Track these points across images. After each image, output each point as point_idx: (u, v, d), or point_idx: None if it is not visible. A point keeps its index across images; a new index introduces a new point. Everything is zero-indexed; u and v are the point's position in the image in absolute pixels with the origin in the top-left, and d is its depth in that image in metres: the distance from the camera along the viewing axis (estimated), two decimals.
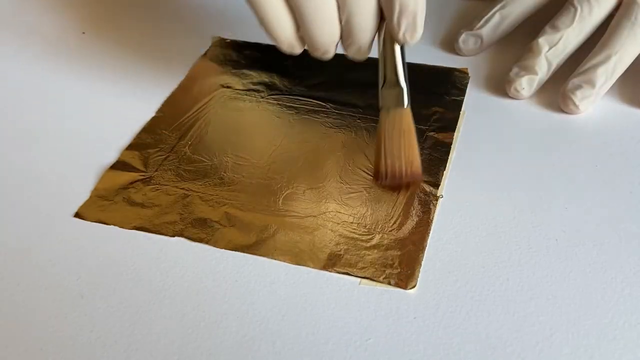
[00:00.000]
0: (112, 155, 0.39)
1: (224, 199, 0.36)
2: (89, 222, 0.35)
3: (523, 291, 0.31)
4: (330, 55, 0.34)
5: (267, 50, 0.46)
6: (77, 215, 0.36)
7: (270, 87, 0.43)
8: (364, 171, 0.37)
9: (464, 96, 0.41)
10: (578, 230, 0.33)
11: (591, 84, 0.38)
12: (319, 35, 0.33)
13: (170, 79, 0.44)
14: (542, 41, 0.40)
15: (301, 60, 0.45)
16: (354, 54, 0.34)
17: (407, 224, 0.34)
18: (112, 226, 0.35)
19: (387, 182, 0.35)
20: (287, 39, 0.33)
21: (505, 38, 0.44)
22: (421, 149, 0.38)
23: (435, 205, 0.35)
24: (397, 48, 0.34)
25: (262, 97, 0.42)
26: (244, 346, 0.30)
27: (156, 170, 0.38)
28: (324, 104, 0.41)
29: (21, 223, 0.36)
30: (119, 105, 0.42)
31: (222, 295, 0.32)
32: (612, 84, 0.39)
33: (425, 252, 0.32)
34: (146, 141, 0.40)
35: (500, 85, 0.41)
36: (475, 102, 0.41)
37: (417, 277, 0.31)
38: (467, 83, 0.42)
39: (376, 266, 0.32)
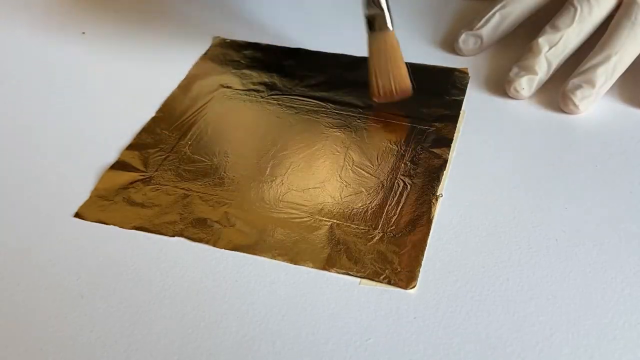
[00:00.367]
0: (112, 155, 0.39)
1: (224, 199, 0.36)
2: (89, 222, 0.35)
3: (523, 291, 0.31)
4: None
5: (267, 50, 0.46)
6: (77, 215, 0.36)
7: (270, 87, 0.43)
8: (364, 171, 0.37)
9: (464, 96, 0.41)
10: (578, 230, 0.33)
11: (591, 84, 0.38)
12: None
13: (170, 79, 0.44)
14: (542, 41, 0.40)
15: (301, 61, 0.45)
16: None
17: (407, 223, 0.34)
18: (112, 226, 0.35)
19: (381, 99, 0.39)
20: None
21: (505, 38, 0.44)
22: (421, 148, 0.38)
23: (435, 205, 0.35)
24: None
25: (262, 97, 0.42)
26: (244, 346, 0.30)
27: (156, 170, 0.38)
28: (324, 104, 0.41)
29: (21, 223, 0.36)
30: (119, 105, 0.42)
31: (222, 295, 0.32)
32: (612, 84, 0.39)
33: (425, 252, 0.32)
34: (146, 141, 0.40)
35: (500, 85, 0.41)
36: (475, 102, 0.41)
37: (417, 277, 0.31)
38: (467, 83, 0.42)
39: (376, 266, 0.32)
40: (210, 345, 0.30)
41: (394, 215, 0.34)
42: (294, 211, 0.35)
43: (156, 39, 0.48)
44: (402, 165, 0.37)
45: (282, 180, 0.36)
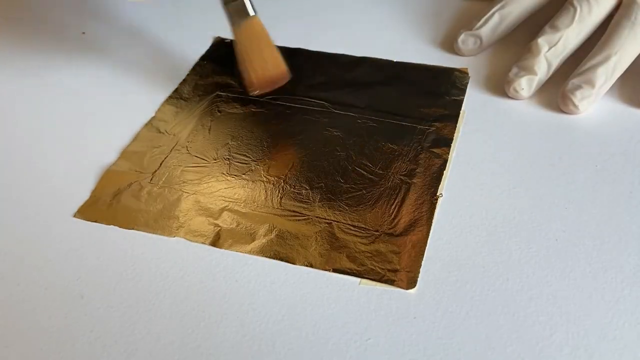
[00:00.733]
0: (112, 155, 0.39)
1: (224, 199, 0.36)
2: (89, 222, 0.35)
3: (523, 291, 0.31)
4: None
5: None
6: (77, 215, 0.36)
7: None
8: (364, 171, 0.37)
9: (464, 96, 0.41)
10: (578, 230, 0.33)
11: (591, 84, 0.38)
12: None
13: (170, 79, 0.44)
14: (542, 41, 0.40)
15: (301, 61, 0.45)
16: None
17: (407, 223, 0.34)
18: (112, 226, 0.35)
19: (259, 90, 0.37)
20: None
21: (505, 38, 0.44)
22: (421, 148, 0.38)
23: (435, 205, 0.35)
24: None
25: (262, 97, 0.42)
26: (244, 346, 0.30)
27: (156, 170, 0.38)
28: (324, 103, 0.41)
29: (21, 223, 0.36)
30: (119, 105, 0.42)
31: (222, 295, 0.32)
32: (612, 84, 0.39)
33: (425, 252, 0.32)
34: (146, 141, 0.40)
35: (500, 85, 0.41)
36: (475, 102, 0.41)
37: (417, 277, 0.31)
38: (467, 83, 0.42)
39: (376, 266, 0.32)
40: (210, 345, 0.30)
41: (394, 215, 0.34)
42: (294, 211, 0.35)
43: (156, 39, 0.48)
44: (402, 165, 0.37)
45: (282, 181, 0.36)
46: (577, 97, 0.38)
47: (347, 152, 0.38)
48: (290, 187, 0.36)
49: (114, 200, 0.36)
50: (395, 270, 0.32)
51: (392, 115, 0.40)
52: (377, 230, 0.34)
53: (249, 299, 0.31)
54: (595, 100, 0.39)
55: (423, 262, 0.32)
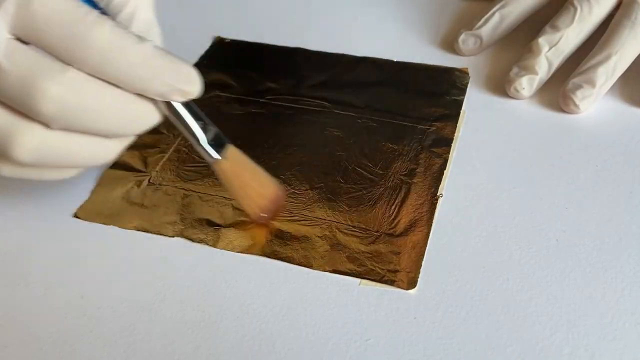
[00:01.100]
0: None
1: (224, 199, 0.36)
2: (89, 222, 0.35)
3: (523, 291, 0.31)
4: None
5: (267, 51, 0.46)
6: (77, 215, 0.36)
7: (270, 87, 0.43)
8: (364, 171, 0.37)
9: (464, 96, 0.41)
10: (578, 230, 0.33)
11: (592, 83, 0.38)
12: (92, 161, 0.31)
13: None
14: (542, 41, 0.40)
15: (301, 61, 0.45)
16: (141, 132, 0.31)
17: (407, 224, 0.34)
18: (112, 226, 0.35)
19: (266, 218, 0.34)
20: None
21: (505, 38, 0.44)
22: (421, 148, 0.38)
23: (435, 205, 0.35)
24: (179, 106, 0.31)
25: (262, 98, 0.42)
26: (244, 346, 0.30)
27: (156, 170, 0.38)
28: (324, 103, 0.41)
29: (21, 223, 0.36)
30: None
31: (222, 295, 0.32)
32: (612, 84, 0.39)
33: (425, 252, 0.32)
34: (146, 141, 0.39)
35: (501, 85, 0.41)
36: (475, 102, 0.41)
37: (417, 277, 0.31)
38: (467, 83, 0.42)
39: (376, 266, 0.32)
40: (210, 345, 0.30)
41: (394, 215, 0.34)
42: (294, 211, 0.35)
43: None
44: (402, 165, 0.37)
45: (282, 181, 0.36)
46: (578, 97, 0.38)
47: (347, 152, 0.38)
48: (290, 188, 0.36)
49: (114, 200, 0.36)
50: (395, 271, 0.32)
51: (392, 115, 0.40)
52: (377, 231, 0.34)
53: (249, 299, 0.31)
54: (595, 100, 0.39)
55: (423, 262, 0.32)
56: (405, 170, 0.36)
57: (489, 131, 0.39)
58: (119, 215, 0.35)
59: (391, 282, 0.31)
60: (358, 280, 0.32)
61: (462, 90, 0.41)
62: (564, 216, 0.34)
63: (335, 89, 0.42)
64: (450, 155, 0.37)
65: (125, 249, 0.34)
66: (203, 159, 0.32)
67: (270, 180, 0.34)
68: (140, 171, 0.38)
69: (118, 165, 0.38)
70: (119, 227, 0.35)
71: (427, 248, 0.33)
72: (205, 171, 0.37)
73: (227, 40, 0.47)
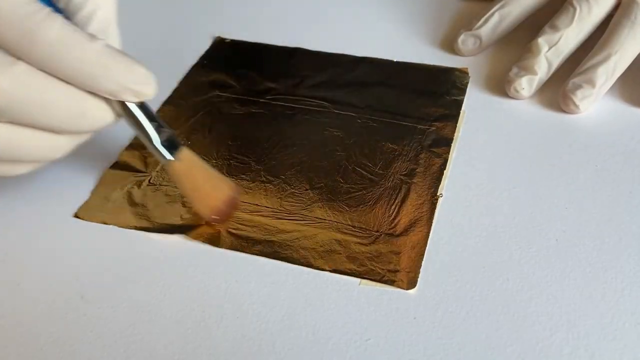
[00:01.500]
0: (112, 155, 0.39)
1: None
2: (89, 222, 0.35)
3: (523, 291, 0.31)
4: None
5: (267, 51, 0.46)
6: (77, 215, 0.36)
7: (270, 87, 0.43)
8: (364, 171, 0.37)
9: (464, 96, 0.41)
10: (578, 230, 0.33)
11: (591, 83, 0.38)
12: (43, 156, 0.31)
13: (170, 79, 0.44)
14: (542, 41, 0.40)
15: (301, 61, 0.45)
16: (98, 130, 0.31)
17: (407, 224, 0.34)
18: (112, 226, 0.35)
19: (217, 220, 0.34)
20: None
21: (505, 38, 0.44)
22: (421, 148, 0.38)
23: (435, 205, 0.35)
24: (133, 107, 0.31)
25: (262, 98, 0.42)
26: (244, 346, 0.30)
27: (156, 170, 0.38)
28: (324, 103, 0.41)
29: (21, 223, 0.36)
30: None
31: (222, 295, 0.32)
32: (612, 84, 0.39)
33: (425, 252, 0.32)
34: None
35: (500, 85, 0.41)
36: (475, 102, 0.41)
37: (417, 277, 0.31)
38: (467, 83, 0.42)
39: (376, 266, 0.32)
40: (210, 345, 0.30)
41: (394, 215, 0.34)
42: (294, 211, 0.35)
43: (156, 39, 0.48)
44: (402, 165, 0.37)
45: (282, 181, 0.36)
46: (578, 97, 0.38)
47: (347, 152, 0.38)
48: (290, 187, 0.36)
49: (114, 200, 0.36)
50: (395, 271, 0.32)
51: (392, 115, 0.40)
52: (377, 231, 0.34)
53: (249, 299, 0.31)
54: (595, 100, 0.39)
55: (423, 262, 0.32)
56: (405, 170, 0.36)
57: (489, 131, 0.39)
58: (119, 215, 0.35)
59: (391, 282, 0.31)
60: (358, 280, 0.32)
61: (462, 90, 0.42)
62: (564, 216, 0.34)
63: (335, 89, 0.42)
64: (450, 155, 0.37)
65: (125, 249, 0.34)
66: (156, 158, 0.33)
67: (225, 182, 0.34)
68: (140, 171, 0.38)
69: (118, 165, 0.38)
70: (119, 227, 0.35)
71: (427, 248, 0.33)
72: None
73: (227, 40, 0.47)
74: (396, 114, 0.40)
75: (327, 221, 0.34)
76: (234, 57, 0.46)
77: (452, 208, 0.35)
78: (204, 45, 0.47)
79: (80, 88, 0.29)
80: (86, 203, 0.36)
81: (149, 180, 0.37)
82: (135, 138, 0.40)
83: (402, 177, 0.36)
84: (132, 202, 0.36)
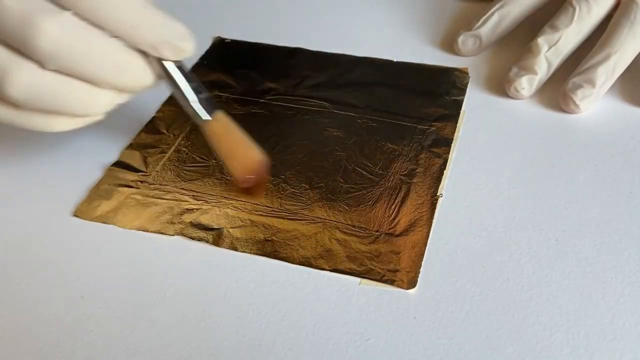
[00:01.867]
0: (112, 155, 0.39)
1: (224, 199, 0.36)
2: (89, 222, 0.35)
3: (523, 291, 0.31)
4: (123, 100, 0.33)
5: (267, 51, 0.46)
6: (77, 215, 0.36)
7: (270, 87, 0.43)
8: (364, 171, 0.37)
9: (464, 96, 0.41)
10: (578, 230, 0.33)
11: (592, 83, 0.38)
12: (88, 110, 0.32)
13: None
14: (542, 41, 0.40)
15: (301, 61, 0.45)
16: (139, 90, 0.33)
17: (407, 223, 0.34)
18: (112, 226, 0.35)
19: (252, 180, 0.35)
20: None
21: (505, 38, 0.44)
22: (421, 148, 0.38)
23: (435, 205, 0.35)
24: (170, 66, 0.33)
25: (262, 98, 0.42)
26: (244, 346, 0.30)
27: (156, 170, 0.38)
28: (324, 104, 0.41)
29: (21, 223, 0.36)
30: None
31: (222, 295, 0.32)
32: (612, 83, 0.39)
33: (425, 252, 0.32)
34: (146, 141, 0.40)
35: (500, 85, 0.41)
36: (475, 102, 0.41)
37: (417, 277, 0.31)
38: (467, 83, 0.42)
39: (376, 266, 0.32)
40: (210, 345, 0.30)
41: (394, 215, 0.34)
42: (294, 211, 0.35)
43: None
44: (402, 165, 0.37)
45: (282, 181, 0.36)
46: (578, 97, 0.38)
47: (347, 152, 0.38)
48: (290, 187, 0.36)
49: (114, 200, 0.36)
50: (395, 271, 0.32)
51: (392, 115, 0.40)
52: (377, 231, 0.34)
53: (249, 299, 0.31)
54: (596, 100, 0.39)
55: (423, 262, 0.32)
56: (405, 170, 0.36)
57: (489, 131, 0.39)
58: (119, 215, 0.35)
59: (391, 282, 0.31)
60: (358, 280, 0.32)
61: (462, 90, 0.42)
62: (564, 216, 0.34)
63: (335, 89, 0.42)
64: (450, 155, 0.37)
65: (125, 249, 0.34)
66: (193, 120, 0.34)
67: (256, 147, 0.35)
68: (140, 171, 0.38)
69: (118, 165, 0.38)
70: (119, 226, 0.35)
71: (427, 248, 0.33)
72: (206, 171, 0.37)
73: (227, 40, 0.47)
74: (396, 114, 0.40)
75: (327, 221, 0.34)
76: (234, 57, 0.46)
77: (452, 208, 0.35)
78: (204, 45, 0.47)
79: (123, 40, 0.31)
80: (86, 202, 0.36)
81: (149, 180, 0.37)
82: (135, 138, 0.40)
83: (402, 177, 0.36)
84: (132, 202, 0.36)
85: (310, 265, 0.32)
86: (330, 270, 0.32)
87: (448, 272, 0.32)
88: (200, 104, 0.33)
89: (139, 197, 0.36)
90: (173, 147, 0.39)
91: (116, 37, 0.31)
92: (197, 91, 0.33)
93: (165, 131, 0.40)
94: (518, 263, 0.32)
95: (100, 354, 0.30)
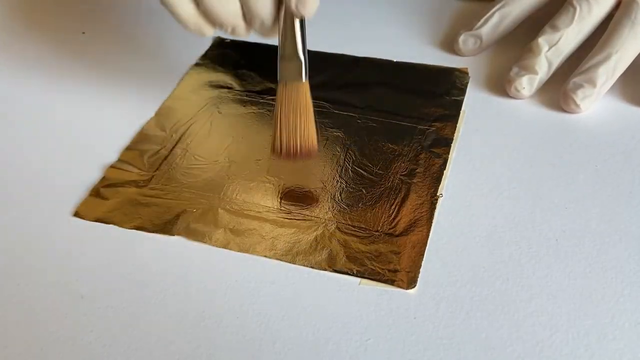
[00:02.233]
0: (112, 155, 0.39)
1: (224, 199, 0.36)
2: (88, 222, 0.35)
3: (523, 291, 0.31)
4: (241, 31, 0.35)
5: (267, 51, 0.46)
6: (77, 214, 0.36)
7: (270, 87, 0.43)
8: (364, 171, 0.37)
9: (464, 96, 0.41)
10: (578, 230, 0.33)
11: (592, 83, 0.38)
12: (220, 12, 0.33)
13: (170, 79, 0.44)
14: (542, 41, 0.40)
15: None
16: (258, 28, 0.34)
17: (407, 224, 0.34)
18: (112, 226, 0.35)
19: (283, 156, 0.35)
20: (191, 17, 0.34)
21: (505, 38, 0.44)
22: (421, 148, 0.38)
23: (435, 205, 0.35)
24: (297, 23, 0.34)
25: (262, 98, 0.42)
26: (244, 346, 0.30)
27: (156, 170, 0.38)
28: (324, 104, 0.41)
29: (21, 223, 0.36)
30: (119, 104, 0.42)
31: (222, 295, 0.32)
32: (613, 83, 0.39)
33: (425, 252, 0.32)
34: (146, 141, 0.40)
35: (500, 85, 0.41)
36: (475, 102, 0.41)
37: (417, 277, 0.31)
38: (467, 83, 0.42)
39: (376, 266, 0.32)
40: (210, 345, 0.30)
41: (394, 215, 0.34)
42: (294, 211, 0.35)
43: (156, 39, 0.48)
44: (402, 165, 0.37)
45: (282, 181, 0.36)
46: (579, 96, 0.38)
47: (347, 152, 0.38)
48: (290, 188, 0.36)
49: (113, 200, 0.36)
50: (395, 271, 0.32)
51: (392, 115, 0.40)
52: (377, 231, 0.34)
53: (249, 299, 0.31)
54: (596, 99, 0.39)
55: (423, 262, 0.32)
56: (405, 170, 0.36)
57: (489, 131, 0.39)
58: (119, 215, 0.35)
59: (391, 282, 0.31)
60: (358, 279, 0.32)
61: (462, 90, 0.42)
62: (564, 216, 0.34)
63: (335, 89, 0.42)
64: (450, 155, 0.37)
65: (125, 248, 0.34)
66: (280, 75, 0.34)
67: (313, 137, 0.35)
68: (140, 171, 0.38)
69: (118, 165, 0.38)
70: (119, 226, 0.35)
71: (427, 248, 0.33)
72: (206, 171, 0.37)
73: (227, 40, 0.47)
74: (396, 114, 0.40)
75: (327, 221, 0.34)
76: (234, 57, 0.46)
77: (452, 208, 0.35)
78: (204, 45, 0.47)
79: None
80: (86, 202, 0.36)
81: (149, 180, 0.37)
82: (136, 138, 0.40)
83: (402, 177, 0.36)
84: (132, 202, 0.36)
85: (310, 265, 0.32)
86: (330, 270, 0.32)
87: (448, 272, 0.32)
88: (304, 64, 0.34)
89: (139, 197, 0.36)
90: (173, 147, 0.39)
91: None
92: (304, 52, 0.34)
93: (165, 131, 0.40)
94: (518, 263, 0.32)
95: (100, 354, 0.30)
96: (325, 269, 0.32)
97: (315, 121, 0.35)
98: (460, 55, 0.44)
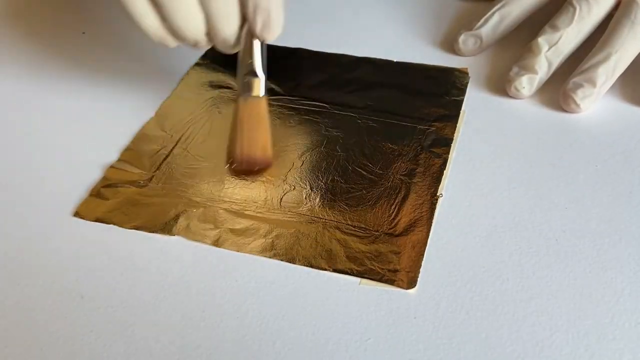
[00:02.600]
0: (112, 155, 0.39)
1: (224, 199, 0.36)
2: (88, 222, 0.35)
3: (523, 291, 0.31)
4: (203, 45, 0.36)
5: (267, 51, 0.46)
6: (77, 214, 0.36)
7: (270, 88, 0.43)
8: (364, 171, 0.37)
9: (464, 96, 0.41)
10: (578, 230, 0.33)
11: (592, 82, 0.38)
12: (184, 27, 0.34)
13: (171, 79, 0.44)
14: (542, 41, 0.40)
15: (301, 61, 0.45)
16: (220, 45, 0.36)
17: (407, 223, 0.34)
18: (112, 226, 0.35)
19: (241, 167, 0.37)
20: (155, 30, 0.35)
21: (505, 38, 0.44)
22: (421, 148, 0.38)
23: (435, 205, 0.35)
24: (256, 42, 0.36)
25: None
26: (244, 346, 0.30)
27: (156, 170, 0.38)
28: (323, 104, 0.41)
29: (21, 223, 0.36)
30: (120, 104, 0.42)
31: (222, 295, 0.32)
32: (612, 83, 0.39)
33: (425, 252, 0.32)
34: (146, 141, 0.40)
35: (500, 85, 0.41)
36: (475, 102, 0.41)
37: (417, 277, 0.31)
38: (467, 83, 0.42)
39: (376, 266, 0.32)
40: (210, 345, 0.30)
41: (394, 215, 0.34)
42: (294, 211, 0.35)
43: None
44: (402, 165, 0.37)
45: (282, 181, 0.36)
46: (579, 96, 0.38)
47: (347, 152, 0.38)
48: (290, 187, 0.36)
49: (113, 200, 0.36)
50: (395, 271, 0.32)
51: (392, 115, 0.40)
52: (377, 230, 0.34)
53: (249, 299, 0.31)
54: (596, 99, 0.39)
55: (423, 262, 0.32)
56: (405, 170, 0.36)
57: (489, 131, 0.39)
58: (119, 215, 0.35)
59: (391, 282, 0.31)
60: (358, 279, 0.32)
61: (462, 91, 0.42)
62: (564, 216, 0.34)
63: (335, 89, 0.42)
64: (450, 155, 0.37)
65: (125, 248, 0.34)
66: (240, 91, 0.37)
67: (269, 148, 0.37)
68: (140, 171, 0.38)
69: (118, 164, 0.38)
70: (119, 226, 0.35)
71: (427, 248, 0.33)
72: (206, 171, 0.37)
73: None
74: (396, 114, 0.40)
75: (327, 221, 0.34)
76: (234, 57, 0.46)
77: (452, 208, 0.35)
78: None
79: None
80: (86, 202, 0.36)
81: (149, 180, 0.37)
82: (136, 138, 0.40)
83: (402, 177, 0.36)
84: (132, 202, 0.36)
85: (310, 265, 0.32)
86: (330, 270, 0.32)
87: (448, 272, 0.32)
88: (263, 79, 0.36)
89: (139, 197, 0.36)
90: (173, 147, 0.39)
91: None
92: (263, 69, 0.36)
93: (165, 131, 0.40)
94: (518, 263, 0.32)
95: (100, 354, 0.30)
96: (325, 269, 0.32)
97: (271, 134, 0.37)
98: (460, 55, 0.44)
